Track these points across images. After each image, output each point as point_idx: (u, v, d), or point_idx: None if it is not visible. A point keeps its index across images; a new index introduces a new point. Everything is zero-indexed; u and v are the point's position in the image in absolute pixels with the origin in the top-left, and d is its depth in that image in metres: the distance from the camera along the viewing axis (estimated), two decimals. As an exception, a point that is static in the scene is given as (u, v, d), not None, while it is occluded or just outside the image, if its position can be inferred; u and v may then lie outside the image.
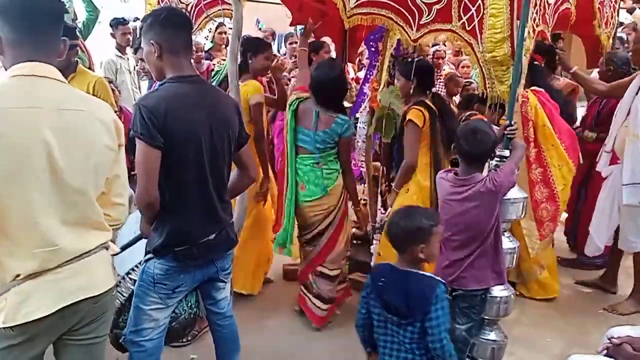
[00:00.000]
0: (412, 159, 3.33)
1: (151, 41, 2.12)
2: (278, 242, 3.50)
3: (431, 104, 3.34)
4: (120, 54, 5.58)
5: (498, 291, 2.80)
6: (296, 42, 6.03)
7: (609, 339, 2.30)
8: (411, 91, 3.42)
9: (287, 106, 3.42)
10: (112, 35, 5.66)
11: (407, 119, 3.30)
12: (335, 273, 3.51)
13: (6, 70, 1.63)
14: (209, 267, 2.29)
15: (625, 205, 3.53)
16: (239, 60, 3.21)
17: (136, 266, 2.38)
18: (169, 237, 2.13)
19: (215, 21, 4.19)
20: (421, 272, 2.16)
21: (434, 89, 3.69)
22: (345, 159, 3.43)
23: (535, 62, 3.98)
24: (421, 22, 2.95)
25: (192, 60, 5.66)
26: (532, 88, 3.74)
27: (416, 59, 3.48)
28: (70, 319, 1.68)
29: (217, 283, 2.39)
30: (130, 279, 2.40)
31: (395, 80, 3.60)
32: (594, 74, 4.86)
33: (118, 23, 5.66)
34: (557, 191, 3.66)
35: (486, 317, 2.86)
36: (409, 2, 2.94)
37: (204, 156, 2.12)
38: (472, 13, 2.74)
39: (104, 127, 1.72)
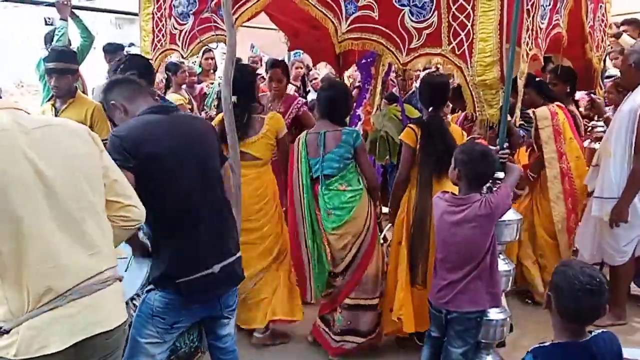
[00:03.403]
0: (398, 176, 3.31)
1: (113, 103, 2.24)
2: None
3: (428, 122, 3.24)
4: None
5: (494, 314, 2.79)
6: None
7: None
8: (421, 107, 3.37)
9: (297, 140, 3.35)
10: (109, 61, 5.66)
11: (399, 137, 3.30)
12: (370, 303, 3.28)
13: None
14: (212, 305, 2.25)
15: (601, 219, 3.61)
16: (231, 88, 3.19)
17: (140, 291, 2.35)
18: (169, 266, 2.10)
19: (210, 47, 4.23)
20: (599, 332, 1.87)
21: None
22: (366, 166, 3.29)
23: (540, 79, 4.09)
24: (411, 47, 2.98)
25: (185, 85, 5.74)
26: (556, 103, 3.93)
27: (423, 75, 3.50)
28: (83, 354, 1.66)
29: (221, 320, 2.35)
30: (134, 304, 2.36)
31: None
32: (577, 95, 4.94)
33: (117, 49, 5.68)
34: (579, 200, 3.87)
35: (482, 341, 2.83)
36: (399, 27, 2.98)
37: (191, 180, 2.13)
38: (462, 37, 2.78)
39: (77, 135, 1.73)
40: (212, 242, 2.17)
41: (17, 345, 1.53)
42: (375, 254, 3.30)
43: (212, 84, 6.07)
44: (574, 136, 3.86)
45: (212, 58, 6.54)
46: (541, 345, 1.88)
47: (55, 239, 1.59)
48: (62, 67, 3.71)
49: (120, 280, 1.79)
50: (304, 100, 4.58)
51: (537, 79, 4.10)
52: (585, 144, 4.51)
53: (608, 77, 4.92)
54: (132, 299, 2.35)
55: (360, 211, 3.22)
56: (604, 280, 1.81)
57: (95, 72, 5.68)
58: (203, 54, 6.34)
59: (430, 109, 3.25)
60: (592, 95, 4.61)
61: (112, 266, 1.75)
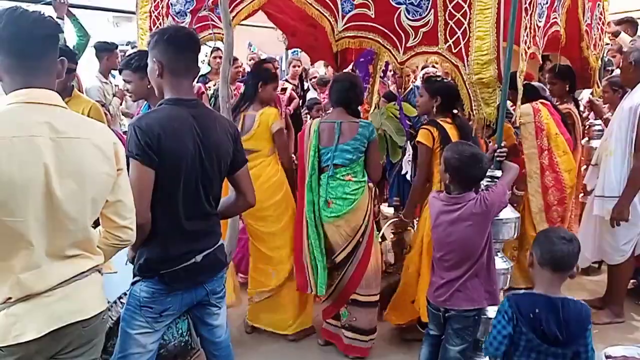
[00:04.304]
0: (416, 181, 3.31)
1: (154, 59, 2.12)
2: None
3: (444, 123, 3.22)
4: (105, 80, 5.57)
5: (492, 312, 2.79)
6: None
7: (606, 357, 2.30)
8: (434, 109, 3.32)
9: (308, 128, 3.33)
10: (106, 59, 5.62)
11: (417, 140, 3.26)
12: (372, 299, 3.31)
13: (6, 94, 1.63)
14: (197, 290, 2.24)
15: (601, 218, 3.63)
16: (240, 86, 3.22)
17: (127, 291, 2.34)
18: (153, 258, 2.11)
19: (207, 45, 4.22)
20: (572, 299, 2.12)
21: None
22: (374, 162, 3.29)
23: (526, 81, 4.09)
24: (408, 45, 3.00)
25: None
26: (540, 100, 3.93)
27: (443, 79, 3.49)
28: (60, 342, 1.67)
29: (209, 307, 2.33)
30: (122, 303, 2.36)
31: (419, 97, 3.50)
32: (584, 94, 4.95)
33: (110, 48, 5.66)
34: (566, 194, 3.89)
35: (480, 339, 2.83)
36: (396, 25, 2.99)
37: (191, 179, 2.11)
38: (459, 36, 2.78)
39: (102, 153, 1.71)
40: (197, 237, 2.18)
41: None
42: (373, 252, 3.29)
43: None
44: (559, 131, 3.86)
45: (221, 57, 6.49)
46: (515, 292, 2.13)
47: (44, 252, 1.60)
48: None
49: (100, 272, 1.80)
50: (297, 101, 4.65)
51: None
52: (583, 142, 4.52)
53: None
54: (119, 298, 2.35)
55: (362, 204, 3.22)
56: (575, 236, 2.15)
57: (90, 71, 5.65)
58: (212, 52, 6.33)
59: (438, 106, 3.25)
60: (591, 97, 4.60)
61: (93, 267, 1.75)
